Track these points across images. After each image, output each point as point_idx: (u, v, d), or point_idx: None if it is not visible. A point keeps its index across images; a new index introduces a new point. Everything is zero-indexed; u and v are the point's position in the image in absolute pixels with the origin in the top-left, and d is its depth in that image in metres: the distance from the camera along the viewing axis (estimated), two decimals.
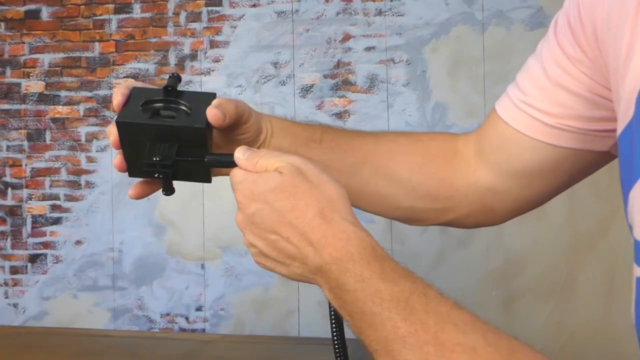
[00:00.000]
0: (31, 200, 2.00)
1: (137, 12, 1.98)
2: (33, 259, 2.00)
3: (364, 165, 0.73)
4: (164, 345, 1.28)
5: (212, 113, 0.62)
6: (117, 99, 0.64)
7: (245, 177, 0.57)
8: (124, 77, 1.98)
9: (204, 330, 1.94)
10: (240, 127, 0.68)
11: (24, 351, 1.22)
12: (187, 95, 0.66)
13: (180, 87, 0.67)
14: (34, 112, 2.01)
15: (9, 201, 2.01)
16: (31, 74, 2.01)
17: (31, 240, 2.00)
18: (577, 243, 1.82)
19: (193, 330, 1.95)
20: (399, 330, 0.47)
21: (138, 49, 1.98)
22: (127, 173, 0.66)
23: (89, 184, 1.99)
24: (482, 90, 1.83)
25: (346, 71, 1.90)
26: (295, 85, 1.92)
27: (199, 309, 1.95)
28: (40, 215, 2.00)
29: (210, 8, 1.95)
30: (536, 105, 0.62)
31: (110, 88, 1.99)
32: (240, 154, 0.59)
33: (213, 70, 1.95)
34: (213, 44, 1.95)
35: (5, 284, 2.00)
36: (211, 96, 0.66)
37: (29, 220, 2.00)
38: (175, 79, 0.67)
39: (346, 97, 1.90)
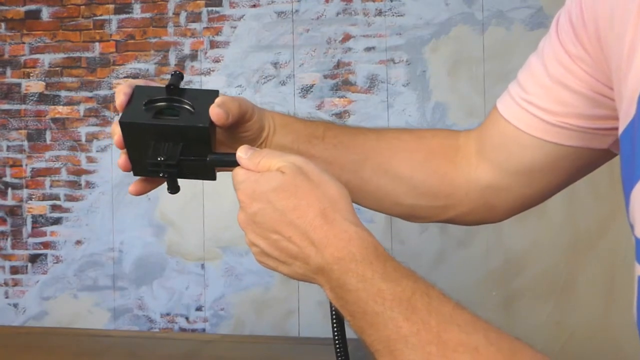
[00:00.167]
0: (31, 200, 2.00)
1: (137, 12, 1.98)
2: (33, 259, 2.00)
3: (365, 162, 0.73)
4: (164, 345, 1.28)
5: (215, 112, 0.62)
6: (120, 98, 0.64)
7: (247, 176, 0.57)
8: (124, 77, 1.98)
9: (204, 330, 1.94)
10: (243, 125, 0.68)
11: (24, 351, 1.22)
12: (189, 93, 0.66)
13: (181, 87, 0.67)
14: (34, 112, 2.01)
15: (9, 201, 2.01)
16: (31, 74, 2.01)
17: (31, 240, 2.00)
18: (577, 243, 1.82)
19: (193, 330, 1.95)
20: (401, 330, 0.47)
21: (138, 49, 1.98)
22: (131, 173, 0.66)
23: (89, 184, 1.99)
24: (482, 90, 1.84)
25: (346, 71, 1.90)
26: (295, 86, 1.92)
27: (199, 309, 1.95)
28: (41, 215, 2.00)
29: (210, 8, 1.95)
30: (537, 103, 0.63)
31: (111, 88, 1.99)
32: (242, 153, 0.59)
33: (213, 71, 1.95)
34: (213, 44, 1.95)
35: (6, 284, 2.00)
36: (214, 93, 0.66)
37: (29, 220, 2.00)
38: (178, 77, 0.67)
39: (346, 97, 1.90)
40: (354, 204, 0.57)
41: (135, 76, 1.98)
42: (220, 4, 1.95)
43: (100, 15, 1.99)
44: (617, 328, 1.79)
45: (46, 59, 2.01)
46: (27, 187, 2.00)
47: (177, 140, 0.62)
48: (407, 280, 0.49)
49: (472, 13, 1.85)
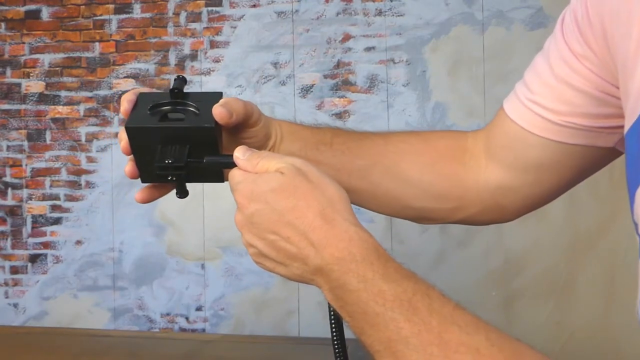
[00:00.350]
0: (31, 200, 2.00)
1: (137, 12, 1.98)
2: (33, 259, 2.00)
3: (374, 167, 0.73)
4: (164, 345, 1.28)
5: (218, 111, 0.62)
6: (124, 106, 0.64)
7: (245, 177, 0.57)
8: (124, 77, 1.98)
9: (204, 330, 1.94)
10: (249, 130, 0.68)
11: (24, 351, 1.22)
12: (193, 96, 0.66)
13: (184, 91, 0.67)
14: (34, 112, 2.01)
15: (9, 201, 2.01)
16: (31, 74, 2.01)
17: (31, 240, 2.00)
18: (577, 243, 1.82)
19: (193, 330, 1.95)
20: (402, 331, 0.47)
21: (138, 49, 1.98)
22: (134, 181, 0.66)
23: (89, 184, 1.99)
24: (482, 90, 1.83)
25: (346, 71, 1.90)
26: (295, 86, 1.92)
27: (199, 309, 1.95)
28: (41, 215, 2.00)
29: (210, 8, 1.95)
30: (542, 103, 0.63)
31: (111, 88, 1.99)
32: (240, 154, 0.59)
33: (213, 71, 1.95)
34: (213, 44, 1.95)
35: (6, 283, 2.00)
36: (218, 95, 0.66)
37: (29, 220, 2.00)
38: (181, 81, 0.67)
39: (346, 97, 1.90)
40: (353, 205, 0.56)
41: (135, 76, 1.98)
42: (220, 4, 1.95)
43: (100, 15, 1.99)
44: (617, 328, 1.79)
45: (46, 59, 2.01)
46: (27, 187, 2.00)
47: (184, 143, 0.62)
48: (407, 281, 0.49)
49: (472, 13, 1.85)
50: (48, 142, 2.00)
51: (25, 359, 1.17)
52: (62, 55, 2.00)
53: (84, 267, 1.98)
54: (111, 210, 1.98)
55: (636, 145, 0.48)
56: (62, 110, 2.00)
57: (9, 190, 2.01)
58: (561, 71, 0.60)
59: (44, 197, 2.00)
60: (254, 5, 1.94)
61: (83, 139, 1.99)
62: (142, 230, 1.97)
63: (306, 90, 1.92)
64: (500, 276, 1.84)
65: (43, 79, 2.01)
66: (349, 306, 0.50)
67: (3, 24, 2.02)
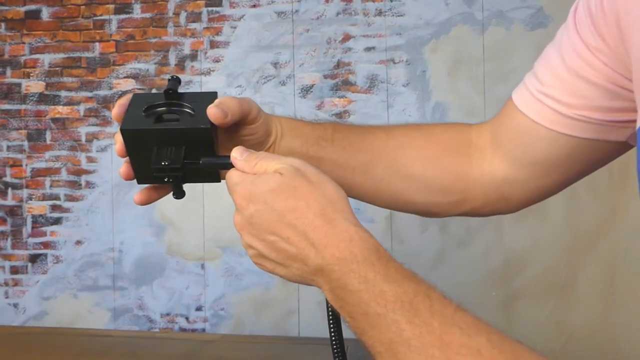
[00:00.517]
0: (31, 200, 2.00)
1: (137, 12, 1.98)
2: (33, 259, 2.00)
3: (376, 163, 0.73)
4: (164, 345, 1.28)
5: (212, 112, 0.62)
6: (115, 110, 0.64)
7: (243, 178, 0.57)
8: (124, 77, 1.98)
9: (204, 330, 1.94)
10: (248, 127, 0.67)
11: (24, 351, 1.22)
12: (188, 96, 0.65)
13: (180, 88, 0.67)
14: (34, 112, 2.01)
15: (9, 201, 2.01)
16: (31, 74, 2.01)
17: (31, 240, 2.00)
18: (577, 243, 1.82)
19: (193, 330, 1.95)
20: (403, 333, 0.46)
21: (138, 49, 1.98)
22: (134, 181, 0.66)
23: (89, 184, 1.99)
24: (482, 90, 1.83)
25: (346, 71, 1.90)
26: (295, 86, 1.92)
27: (199, 309, 1.95)
28: (41, 215, 2.00)
29: (210, 8, 1.95)
30: (554, 95, 0.62)
31: (111, 88, 1.99)
32: (237, 155, 0.59)
33: (213, 71, 1.95)
34: (213, 44, 1.95)
35: (6, 283, 2.00)
36: (212, 95, 0.65)
37: (29, 220, 2.00)
38: (175, 81, 0.66)
39: (346, 97, 1.90)
40: (353, 203, 0.56)
41: (135, 76, 1.98)
42: (220, 4, 1.95)
43: (100, 15, 1.99)
44: (617, 328, 1.79)
45: (46, 59, 2.01)
46: (27, 187, 2.00)
47: (180, 144, 0.62)
48: (409, 282, 0.49)
49: (472, 13, 1.85)
50: (48, 142, 2.00)
51: (25, 359, 1.17)
52: (62, 55, 2.00)
53: (84, 267, 1.98)
54: (111, 210, 1.98)
55: None
56: (62, 110, 2.00)
57: (9, 190, 2.01)
58: (574, 63, 0.59)
59: (44, 197, 2.00)
60: (254, 5, 1.94)
61: (83, 139, 1.99)
62: (142, 230, 1.97)
63: (306, 90, 1.92)
64: (500, 276, 1.84)
65: (43, 79, 2.01)
66: (350, 307, 0.50)
67: (3, 24, 2.02)
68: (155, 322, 1.96)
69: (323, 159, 0.71)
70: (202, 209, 1.93)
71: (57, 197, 1.99)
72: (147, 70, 1.97)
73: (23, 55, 2.01)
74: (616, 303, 1.80)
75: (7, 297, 2.00)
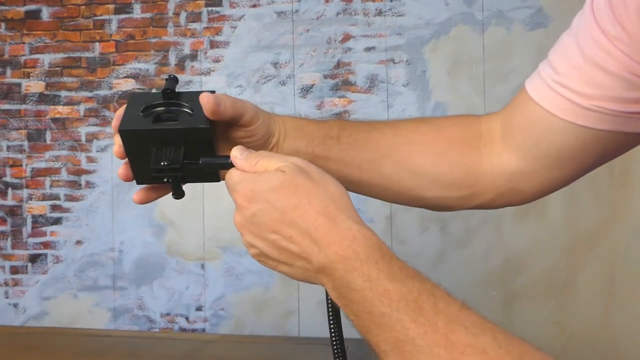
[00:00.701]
0: (31, 200, 2.00)
1: (137, 12, 1.98)
2: (33, 259, 2.00)
3: (384, 160, 0.72)
4: (164, 345, 1.28)
5: (205, 100, 0.61)
6: (115, 123, 0.63)
7: (244, 177, 0.56)
8: (124, 77, 1.98)
9: (204, 330, 1.94)
10: (245, 129, 0.66)
11: (24, 351, 1.22)
12: (186, 96, 0.65)
13: (180, 88, 0.67)
14: (34, 112, 2.01)
15: (9, 201, 2.01)
16: (31, 74, 2.01)
17: (31, 240, 2.00)
18: (577, 243, 1.82)
19: (193, 330, 1.95)
20: (408, 332, 0.46)
21: (138, 49, 1.98)
22: (134, 181, 0.66)
23: (89, 184, 1.99)
24: (482, 90, 1.83)
25: (346, 71, 1.90)
26: (295, 86, 1.92)
27: (199, 309, 1.95)
28: (41, 215, 2.00)
29: (210, 8, 1.95)
30: (569, 85, 0.60)
31: (111, 88, 1.99)
32: (237, 154, 0.58)
33: (213, 71, 1.95)
34: (213, 44, 1.95)
35: (6, 283, 2.00)
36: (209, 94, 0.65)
37: (29, 220, 2.00)
38: (173, 81, 0.66)
39: (346, 97, 1.90)
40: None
41: (135, 76, 1.98)
42: (220, 4, 1.95)
43: (100, 15, 1.99)
44: (617, 328, 1.79)
45: (46, 59, 2.01)
46: (27, 187, 2.00)
47: (179, 144, 0.62)
48: (413, 281, 0.48)
49: (472, 13, 1.85)
50: (48, 142, 2.00)
51: (25, 359, 1.17)
52: (62, 55, 2.00)
53: (84, 267, 1.98)
54: (111, 210, 1.98)
55: None
56: (62, 110, 2.00)
57: (9, 190, 2.01)
58: (591, 52, 0.57)
59: (44, 197, 2.00)
60: (254, 5, 1.94)
61: (83, 139, 1.99)
62: (142, 230, 1.97)
63: (306, 90, 1.92)
64: (500, 276, 1.84)
65: (43, 79, 2.01)
66: (354, 305, 0.50)
67: (3, 24, 2.02)
68: (155, 322, 1.96)
69: (329, 158, 0.70)
70: (202, 209, 1.93)
71: (57, 197, 1.99)
72: (147, 70, 1.97)
73: (23, 55, 2.01)
74: (616, 303, 1.80)
75: (7, 297, 2.00)
